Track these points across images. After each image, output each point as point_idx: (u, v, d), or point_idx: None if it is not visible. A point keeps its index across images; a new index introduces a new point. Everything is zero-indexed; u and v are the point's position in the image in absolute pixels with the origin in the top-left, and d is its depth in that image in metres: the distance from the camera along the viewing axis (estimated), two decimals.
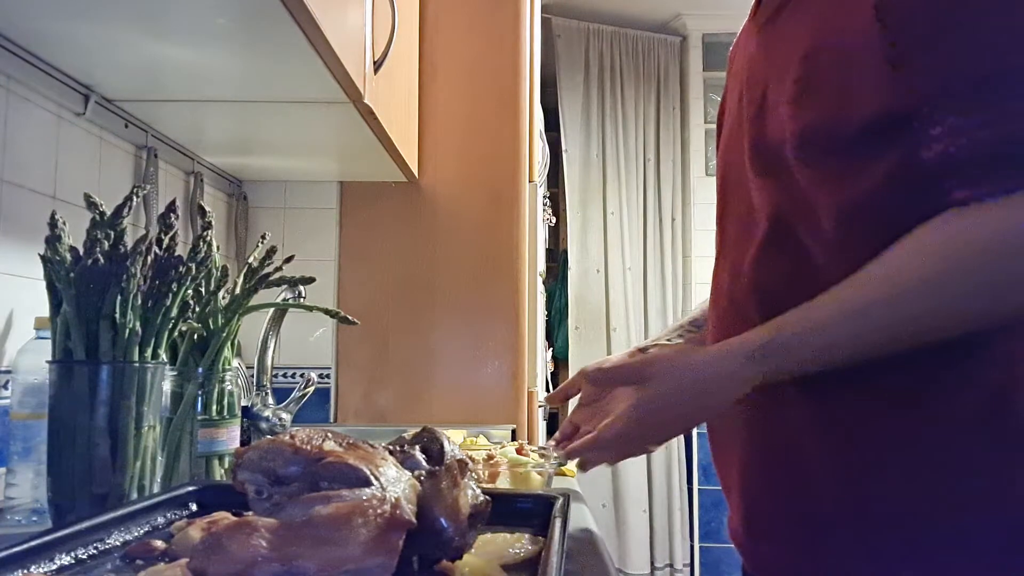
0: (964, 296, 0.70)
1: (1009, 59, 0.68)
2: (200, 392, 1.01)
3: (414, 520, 0.52)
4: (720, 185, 0.97)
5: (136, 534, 0.68)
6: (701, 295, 3.41)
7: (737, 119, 0.90)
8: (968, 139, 0.68)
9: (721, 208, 0.96)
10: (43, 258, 0.84)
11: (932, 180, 0.71)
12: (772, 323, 0.76)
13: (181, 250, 0.92)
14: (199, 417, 1.01)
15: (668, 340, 1.09)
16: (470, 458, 0.62)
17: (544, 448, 1.22)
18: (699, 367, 0.79)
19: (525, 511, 0.75)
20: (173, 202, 0.94)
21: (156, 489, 0.87)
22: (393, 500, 0.52)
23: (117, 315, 0.84)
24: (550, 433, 3.62)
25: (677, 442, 3.75)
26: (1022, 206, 0.67)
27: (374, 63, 1.34)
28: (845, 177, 0.76)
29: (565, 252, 3.98)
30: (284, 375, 1.92)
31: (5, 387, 1.04)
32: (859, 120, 0.74)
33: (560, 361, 3.93)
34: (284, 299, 1.34)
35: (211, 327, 1.03)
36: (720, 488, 0.97)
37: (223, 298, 1.05)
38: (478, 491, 0.60)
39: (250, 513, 0.56)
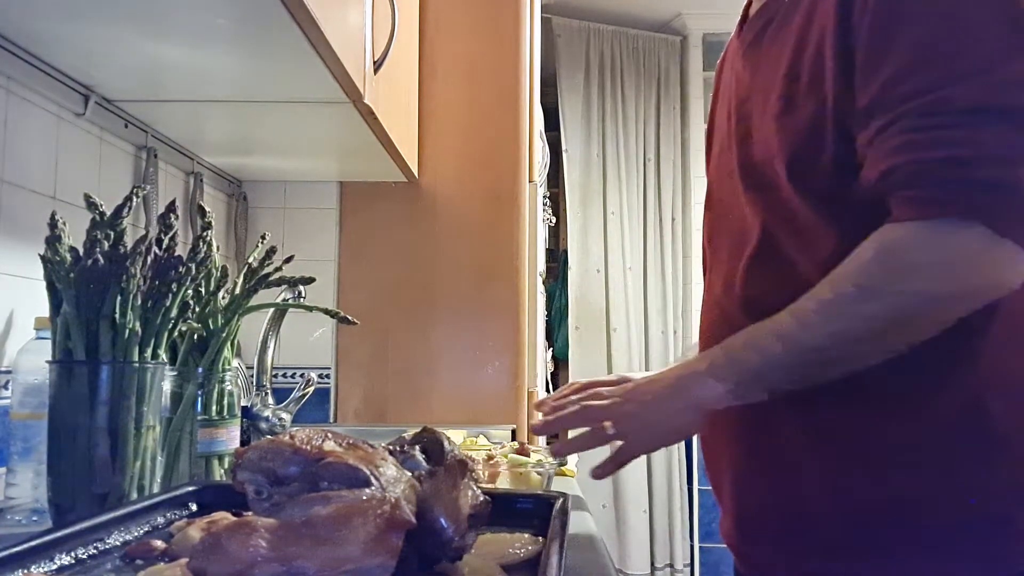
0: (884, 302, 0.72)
1: (955, 84, 0.69)
2: (200, 392, 1.01)
3: (414, 520, 0.52)
4: (711, 199, 0.98)
5: (136, 534, 0.68)
6: (701, 295, 3.40)
7: (726, 137, 0.92)
8: (916, 158, 0.70)
9: (713, 221, 0.97)
10: (43, 258, 0.84)
11: (878, 192, 0.73)
12: (724, 342, 0.82)
13: (181, 250, 0.92)
14: (199, 417, 1.01)
15: None
16: (470, 458, 0.62)
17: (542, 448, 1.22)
18: (668, 373, 0.87)
19: (525, 511, 0.75)
20: (173, 202, 0.94)
21: (156, 489, 0.87)
22: (393, 500, 0.52)
23: (117, 315, 0.84)
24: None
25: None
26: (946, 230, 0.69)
27: (374, 63, 1.34)
28: (836, 194, 0.77)
29: (565, 252, 3.98)
30: (284, 375, 1.92)
31: (5, 387, 1.04)
32: (831, 135, 0.76)
33: (560, 361, 3.93)
34: (284, 299, 1.34)
35: (211, 327, 1.03)
36: None
37: (223, 298, 1.05)
38: (478, 491, 0.60)
39: (250, 513, 0.56)
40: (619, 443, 0.87)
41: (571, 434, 0.91)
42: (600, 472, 0.90)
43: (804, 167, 0.78)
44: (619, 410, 0.85)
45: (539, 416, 0.94)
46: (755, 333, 0.78)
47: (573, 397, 0.91)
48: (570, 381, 1.07)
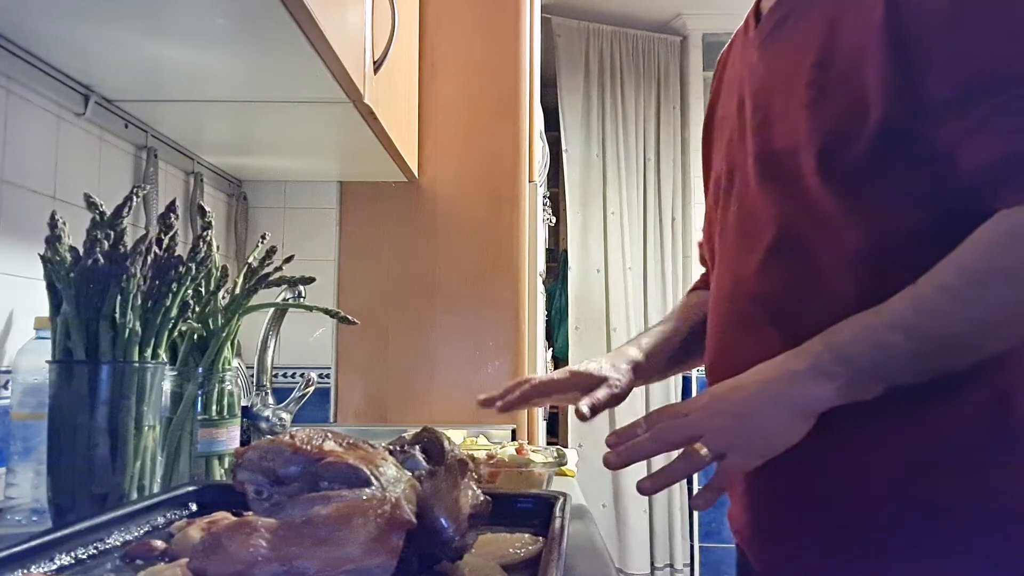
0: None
1: None
2: (200, 392, 1.01)
3: (414, 520, 0.52)
4: (716, 192, 0.96)
5: (136, 534, 0.68)
6: None
7: (739, 128, 0.90)
8: (1013, 142, 0.67)
9: (719, 215, 0.95)
10: (43, 258, 0.84)
11: (973, 183, 0.70)
12: (823, 333, 0.74)
13: (181, 250, 0.92)
14: (199, 417, 1.01)
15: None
16: (470, 458, 0.62)
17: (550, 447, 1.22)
18: (753, 377, 0.77)
19: (525, 511, 0.75)
20: (173, 202, 0.94)
21: (156, 489, 0.87)
22: (393, 500, 0.52)
23: (117, 315, 0.84)
24: (551, 433, 3.63)
25: None
26: None
27: (374, 63, 1.34)
28: (864, 187, 0.76)
29: (565, 252, 3.98)
30: (284, 375, 1.92)
31: (5, 387, 1.04)
32: (872, 125, 0.74)
33: (560, 361, 3.93)
34: (284, 299, 1.34)
35: (211, 327, 1.03)
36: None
37: (223, 298, 1.05)
38: (478, 491, 0.60)
39: (250, 513, 0.56)
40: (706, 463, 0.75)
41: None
42: (703, 502, 0.76)
43: (835, 157, 0.77)
44: (706, 426, 0.74)
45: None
46: (862, 326, 0.72)
47: (641, 421, 0.79)
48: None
